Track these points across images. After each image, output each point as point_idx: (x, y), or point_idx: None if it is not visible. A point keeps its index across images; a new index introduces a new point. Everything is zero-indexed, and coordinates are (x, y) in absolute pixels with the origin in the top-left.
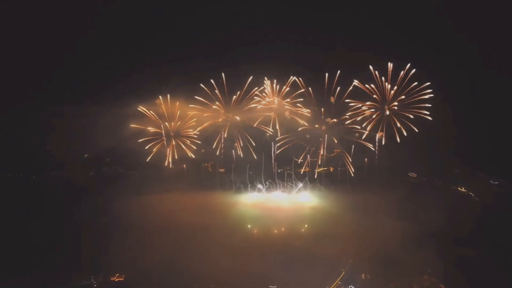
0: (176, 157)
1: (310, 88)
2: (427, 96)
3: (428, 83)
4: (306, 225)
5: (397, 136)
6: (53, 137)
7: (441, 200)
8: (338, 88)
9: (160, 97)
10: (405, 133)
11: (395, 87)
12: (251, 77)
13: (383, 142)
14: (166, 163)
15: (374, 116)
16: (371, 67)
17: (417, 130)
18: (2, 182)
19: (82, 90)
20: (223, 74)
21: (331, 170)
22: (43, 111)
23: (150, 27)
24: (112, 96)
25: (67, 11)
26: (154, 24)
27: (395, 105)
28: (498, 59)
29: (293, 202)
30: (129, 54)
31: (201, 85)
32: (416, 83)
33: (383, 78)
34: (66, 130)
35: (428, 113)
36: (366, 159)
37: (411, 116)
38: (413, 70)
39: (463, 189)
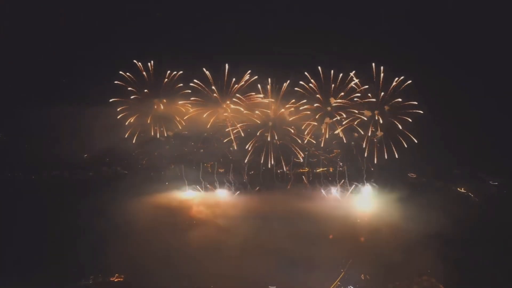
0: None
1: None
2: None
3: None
4: (305, 226)
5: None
6: (52, 137)
7: (441, 200)
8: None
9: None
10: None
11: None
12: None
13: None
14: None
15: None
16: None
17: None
18: (2, 182)
19: (82, 90)
20: (226, 66)
21: (331, 170)
22: (43, 111)
23: (149, 26)
24: (112, 96)
25: (66, 11)
26: (153, 24)
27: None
28: (497, 58)
29: (293, 203)
30: (128, 53)
31: (198, 82)
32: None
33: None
34: (65, 130)
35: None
36: (365, 159)
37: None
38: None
39: (462, 190)
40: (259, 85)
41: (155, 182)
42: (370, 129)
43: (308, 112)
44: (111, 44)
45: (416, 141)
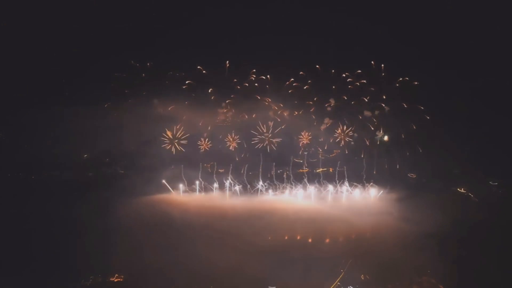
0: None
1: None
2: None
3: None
4: (305, 226)
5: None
6: (52, 137)
7: (441, 200)
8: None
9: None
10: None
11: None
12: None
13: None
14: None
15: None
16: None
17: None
18: (2, 182)
19: (82, 91)
20: (227, 63)
21: (331, 170)
22: (43, 111)
23: (148, 27)
24: (112, 97)
25: (66, 12)
26: (152, 24)
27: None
28: (498, 59)
29: (293, 203)
30: (128, 54)
31: (197, 83)
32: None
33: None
34: (65, 131)
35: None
36: (364, 160)
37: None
38: None
39: (462, 190)
40: (256, 84)
41: (154, 183)
42: (368, 141)
43: (311, 115)
44: (112, 44)
45: (421, 151)
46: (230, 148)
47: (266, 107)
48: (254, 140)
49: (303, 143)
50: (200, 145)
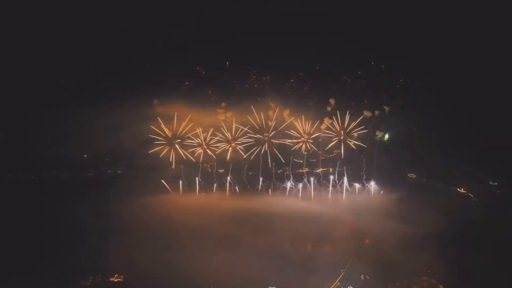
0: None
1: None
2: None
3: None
4: (305, 226)
5: None
6: (52, 137)
7: (441, 200)
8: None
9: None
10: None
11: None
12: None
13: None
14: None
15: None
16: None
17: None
18: (2, 182)
19: (82, 91)
20: (227, 64)
21: (330, 170)
22: (43, 111)
23: (148, 27)
24: (112, 97)
25: (66, 12)
26: (153, 25)
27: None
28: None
29: (293, 203)
30: (128, 55)
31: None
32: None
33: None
34: (65, 131)
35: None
36: (364, 160)
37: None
38: None
39: (462, 190)
40: (256, 85)
41: (154, 183)
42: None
43: (311, 115)
44: (112, 44)
45: (421, 151)
46: (229, 149)
47: (266, 108)
48: (253, 141)
49: (302, 145)
50: (199, 146)
